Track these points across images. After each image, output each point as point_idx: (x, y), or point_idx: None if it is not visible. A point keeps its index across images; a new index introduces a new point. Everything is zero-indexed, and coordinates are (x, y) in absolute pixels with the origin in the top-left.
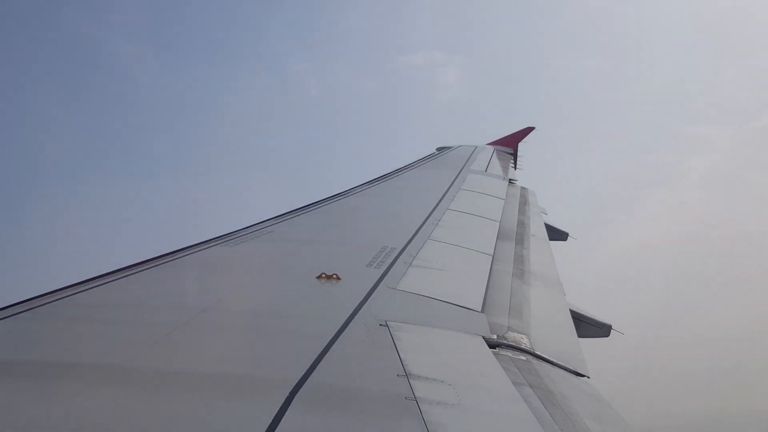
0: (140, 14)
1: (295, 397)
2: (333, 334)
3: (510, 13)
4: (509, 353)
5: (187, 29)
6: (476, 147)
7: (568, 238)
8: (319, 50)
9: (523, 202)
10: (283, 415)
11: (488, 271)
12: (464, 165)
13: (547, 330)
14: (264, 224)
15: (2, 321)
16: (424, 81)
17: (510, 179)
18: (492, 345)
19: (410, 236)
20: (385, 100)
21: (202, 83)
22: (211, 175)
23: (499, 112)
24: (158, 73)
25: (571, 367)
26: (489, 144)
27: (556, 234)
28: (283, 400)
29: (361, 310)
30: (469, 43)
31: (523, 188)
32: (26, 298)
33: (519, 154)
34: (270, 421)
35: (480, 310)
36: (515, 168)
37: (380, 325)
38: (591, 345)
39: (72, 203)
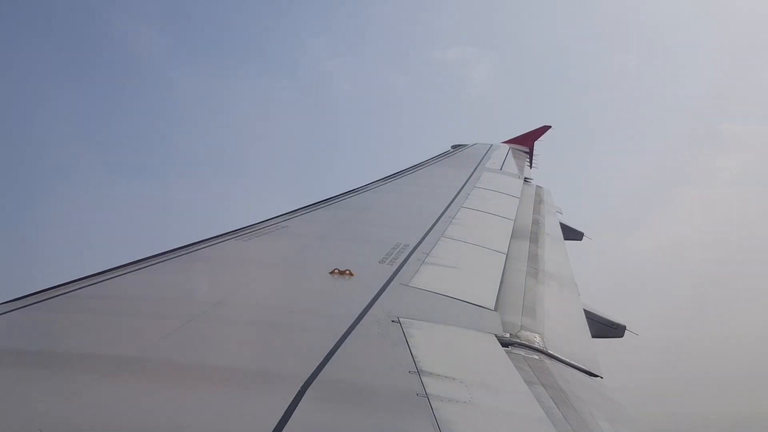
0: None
1: (307, 392)
2: (345, 330)
3: (542, 8)
4: (522, 352)
5: (211, 24)
6: (491, 145)
7: (584, 237)
8: (350, 44)
9: (538, 201)
10: (295, 409)
11: (502, 269)
12: (479, 163)
13: (561, 329)
14: (278, 219)
15: (19, 311)
16: (454, 77)
17: (525, 178)
18: (505, 343)
19: (424, 233)
20: (414, 95)
21: (228, 79)
22: (238, 169)
23: (525, 108)
24: (187, 67)
25: (584, 367)
26: (504, 142)
27: (571, 233)
28: (295, 394)
29: (374, 306)
30: (503, 38)
31: (538, 187)
32: (42, 288)
33: (535, 152)
34: (281, 415)
35: (493, 308)
36: (530, 167)
37: (392, 321)
38: (605, 345)
39: (97, 198)
